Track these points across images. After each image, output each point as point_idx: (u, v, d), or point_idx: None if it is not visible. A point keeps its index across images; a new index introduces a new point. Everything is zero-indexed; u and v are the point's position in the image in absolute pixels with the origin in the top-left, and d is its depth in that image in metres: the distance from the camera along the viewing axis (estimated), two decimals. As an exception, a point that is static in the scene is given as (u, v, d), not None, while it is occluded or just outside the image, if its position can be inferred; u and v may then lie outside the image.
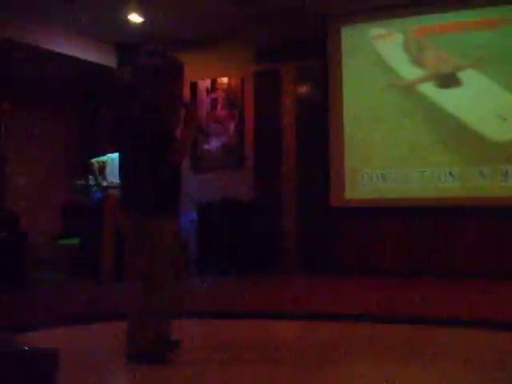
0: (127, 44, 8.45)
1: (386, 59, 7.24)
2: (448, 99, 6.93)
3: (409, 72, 7.16)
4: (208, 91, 8.32)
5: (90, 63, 8.45)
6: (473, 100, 6.84)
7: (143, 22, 7.66)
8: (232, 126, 8.18)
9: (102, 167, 7.20)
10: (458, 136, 6.87)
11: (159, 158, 3.42)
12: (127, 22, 7.64)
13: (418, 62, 7.12)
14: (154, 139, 3.42)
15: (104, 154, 7.48)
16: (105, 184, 7.13)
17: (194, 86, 8.32)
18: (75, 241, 7.96)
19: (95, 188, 7.77)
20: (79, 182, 8.74)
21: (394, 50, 7.22)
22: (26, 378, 2.11)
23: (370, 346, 3.89)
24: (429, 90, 7.04)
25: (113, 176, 7.08)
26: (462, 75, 6.89)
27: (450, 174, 6.84)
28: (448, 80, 6.96)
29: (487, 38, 6.78)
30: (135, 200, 3.47)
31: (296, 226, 7.63)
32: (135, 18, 7.53)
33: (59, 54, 7.97)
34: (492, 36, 6.77)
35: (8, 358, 2.15)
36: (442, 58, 6.99)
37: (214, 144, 8.26)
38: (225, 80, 8.26)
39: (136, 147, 3.47)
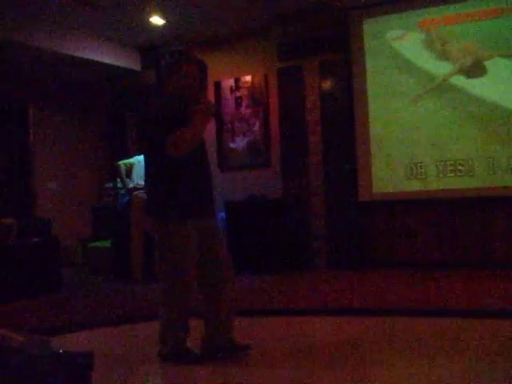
0: (151, 47, 8.53)
1: (408, 56, 7.17)
2: (474, 88, 6.84)
3: (435, 67, 7.06)
4: (232, 90, 8.32)
5: (117, 67, 8.54)
6: (500, 87, 6.74)
7: (165, 24, 7.69)
8: (257, 124, 8.18)
9: (129, 169, 7.25)
10: (483, 126, 6.77)
11: (164, 156, 3.34)
12: (149, 24, 7.69)
13: (442, 56, 7.03)
14: (160, 137, 3.33)
15: (131, 157, 7.55)
16: (131, 186, 7.17)
17: (217, 85, 8.33)
18: (105, 244, 8.04)
19: (122, 190, 7.84)
20: (107, 185, 8.85)
21: (416, 48, 7.14)
22: (61, 380, 2.14)
23: (403, 340, 3.86)
24: (455, 81, 6.95)
25: (139, 178, 7.13)
26: (488, 63, 6.79)
27: (478, 164, 6.75)
28: (474, 69, 6.87)
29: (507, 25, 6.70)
30: (151, 204, 3.49)
31: (325, 222, 7.59)
32: (157, 20, 7.56)
33: (86, 60, 8.07)
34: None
35: (43, 361, 2.17)
36: (467, 49, 6.89)
37: (239, 142, 8.27)
38: (248, 78, 8.26)
39: (146, 148, 3.52)
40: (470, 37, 6.88)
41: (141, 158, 7.33)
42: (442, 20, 7.04)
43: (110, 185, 8.78)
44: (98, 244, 8.23)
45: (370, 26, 7.38)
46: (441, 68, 7.02)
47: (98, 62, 8.24)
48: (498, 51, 6.74)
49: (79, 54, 7.95)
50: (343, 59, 7.50)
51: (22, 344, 2.23)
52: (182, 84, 3.49)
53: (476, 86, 6.84)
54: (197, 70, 3.56)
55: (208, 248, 3.48)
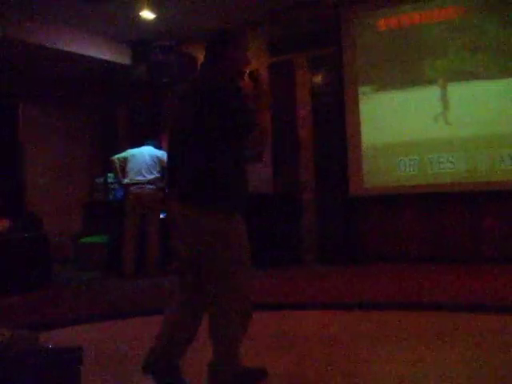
0: (141, 41, 8.49)
1: (397, 50, 7.20)
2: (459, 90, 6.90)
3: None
4: (223, 85, 8.28)
5: (107, 62, 8.52)
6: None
7: (156, 19, 7.66)
8: (248, 119, 8.14)
9: (123, 164, 7.19)
10: (471, 121, 6.81)
11: (238, 149, 2.88)
12: (140, 19, 7.65)
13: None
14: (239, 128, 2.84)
15: (123, 151, 7.48)
16: (127, 182, 7.12)
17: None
18: (97, 239, 8.01)
19: (115, 185, 7.79)
20: (98, 180, 8.81)
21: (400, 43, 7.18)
22: (50, 376, 2.13)
23: (395, 332, 3.88)
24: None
25: (134, 173, 7.09)
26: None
27: (470, 159, 6.77)
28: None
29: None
30: (214, 199, 2.82)
31: (316, 217, 7.60)
32: (147, 14, 7.53)
33: (76, 54, 8.04)
34: None
35: (32, 356, 2.17)
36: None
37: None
38: (239, 73, 8.23)
39: (222, 138, 2.81)
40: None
41: (134, 152, 7.26)
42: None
43: (101, 180, 8.74)
44: (89, 239, 8.21)
45: (360, 21, 7.38)
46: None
47: (88, 56, 8.21)
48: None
49: (69, 48, 7.92)
50: (334, 54, 7.51)
51: (10, 339, 2.23)
52: (239, 57, 3.00)
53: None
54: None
55: None
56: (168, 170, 3.13)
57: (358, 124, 7.35)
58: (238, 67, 3.00)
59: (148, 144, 7.38)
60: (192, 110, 2.84)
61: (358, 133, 7.35)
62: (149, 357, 2.94)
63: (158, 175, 7.15)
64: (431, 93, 7.01)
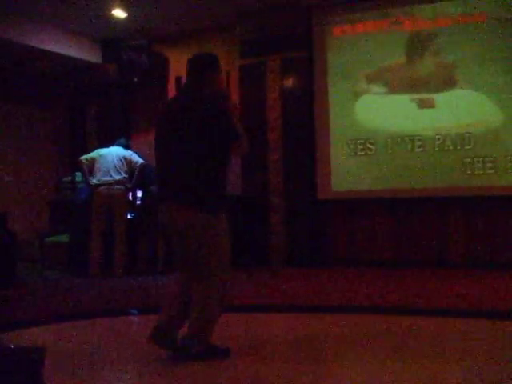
0: (112, 40, 8.44)
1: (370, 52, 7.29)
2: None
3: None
4: (193, 86, 8.29)
5: (76, 60, 8.43)
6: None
7: (127, 18, 7.63)
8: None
9: (92, 164, 7.12)
10: (440, 127, 6.92)
11: (225, 154, 3.37)
12: (111, 17, 7.62)
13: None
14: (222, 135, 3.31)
15: (92, 150, 7.41)
16: (95, 182, 7.05)
17: (178, 81, 8.29)
18: (63, 238, 7.93)
19: (82, 185, 7.72)
20: (65, 179, 8.71)
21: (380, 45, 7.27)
22: (11, 376, 2.12)
23: (362, 337, 3.91)
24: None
25: (101, 173, 7.03)
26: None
27: (436, 163, 6.88)
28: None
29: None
30: (199, 198, 3.28)
31: (284, 219, 7.63)
32: (119, 13, 7.50)
33: (45, 51, 7.95)
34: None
35: (-7, 356, 2.16)
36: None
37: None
38: (210, 74, 8.24)
39: (210, 143, 3.29)
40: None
41: (103, 151, 7.21)
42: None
43: (69, 178, 8.64)
44: (55, 238, 8.11)
45: (332, 25, 7.44)
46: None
47: (58, 53, 8.12)
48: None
49: (39, 45, 7.83)
50: (305, 57, 7.55)
51: (-29, 339, 2.21)
52: (221, 81, 3.63)
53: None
54: None
55: None
56: (158, 176, 3.49)
57: (327, 128, 7.40)
58: (218, 87, 3.50)
59: (118, 144, 7.33)
60: (182, 124, 3.29)
61: (327, 137, 7.40)
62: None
63: (125, 175, 7.12)
64: (402, 98, 7.11)
